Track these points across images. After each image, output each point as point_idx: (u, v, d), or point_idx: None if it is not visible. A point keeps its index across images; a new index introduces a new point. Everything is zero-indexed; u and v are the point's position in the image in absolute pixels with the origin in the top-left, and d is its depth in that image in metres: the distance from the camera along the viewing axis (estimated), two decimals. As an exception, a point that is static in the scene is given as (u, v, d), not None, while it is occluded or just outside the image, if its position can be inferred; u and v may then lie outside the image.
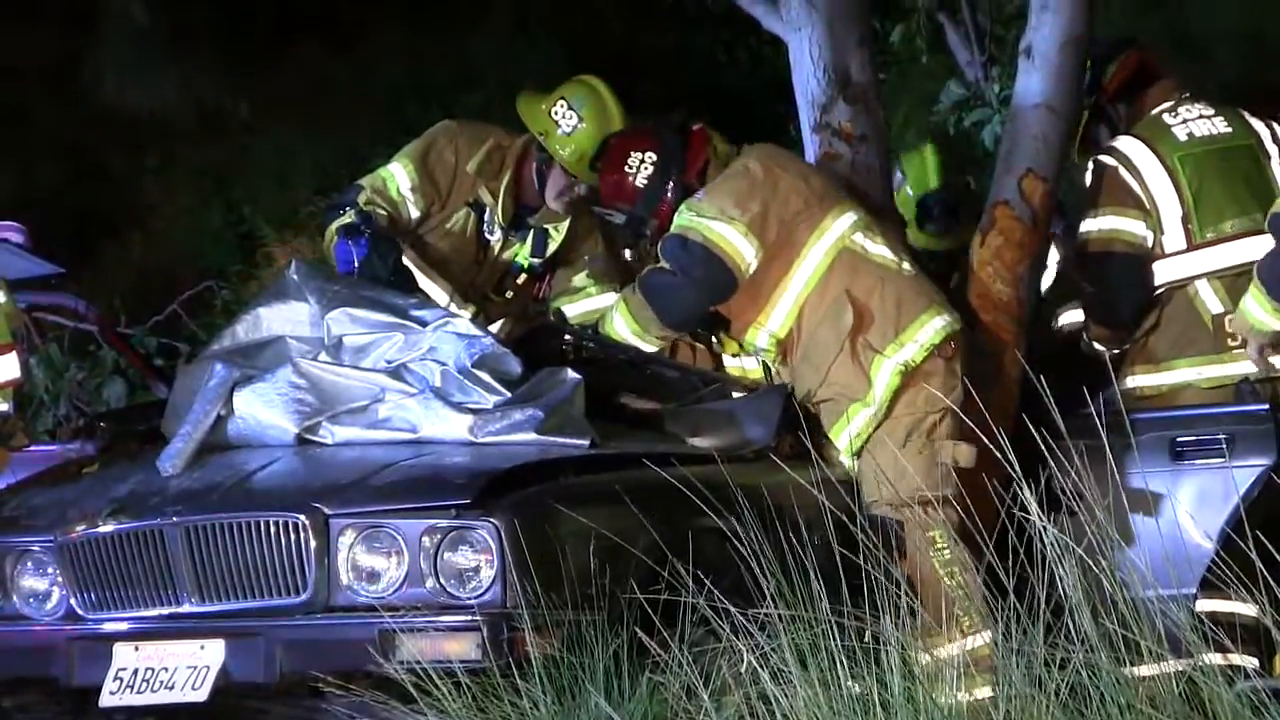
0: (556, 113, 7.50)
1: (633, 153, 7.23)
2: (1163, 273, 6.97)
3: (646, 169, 7.17)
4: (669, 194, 7.13)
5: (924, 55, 8.96)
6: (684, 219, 6.92)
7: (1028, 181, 7.13)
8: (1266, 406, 6.69)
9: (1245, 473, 6.58)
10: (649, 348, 7.06)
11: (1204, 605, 5.69)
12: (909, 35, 8.99)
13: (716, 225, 6.83)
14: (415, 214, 7.70)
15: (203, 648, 6.12)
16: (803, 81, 7.66)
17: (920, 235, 8.07)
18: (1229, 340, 6.80)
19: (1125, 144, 7.08)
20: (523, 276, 7.81)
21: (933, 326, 6.77)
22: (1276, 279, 6.37)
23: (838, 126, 7.58)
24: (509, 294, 7.78)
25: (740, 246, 6.83)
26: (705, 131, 7.23)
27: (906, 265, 6.96)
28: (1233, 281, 6.85)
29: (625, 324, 7.02)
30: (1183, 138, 7.00)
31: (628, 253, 7.63)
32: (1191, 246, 6.93)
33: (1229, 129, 7.03)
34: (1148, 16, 8.10)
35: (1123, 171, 7.02)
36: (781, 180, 6.98)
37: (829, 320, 6.81)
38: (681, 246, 6.85)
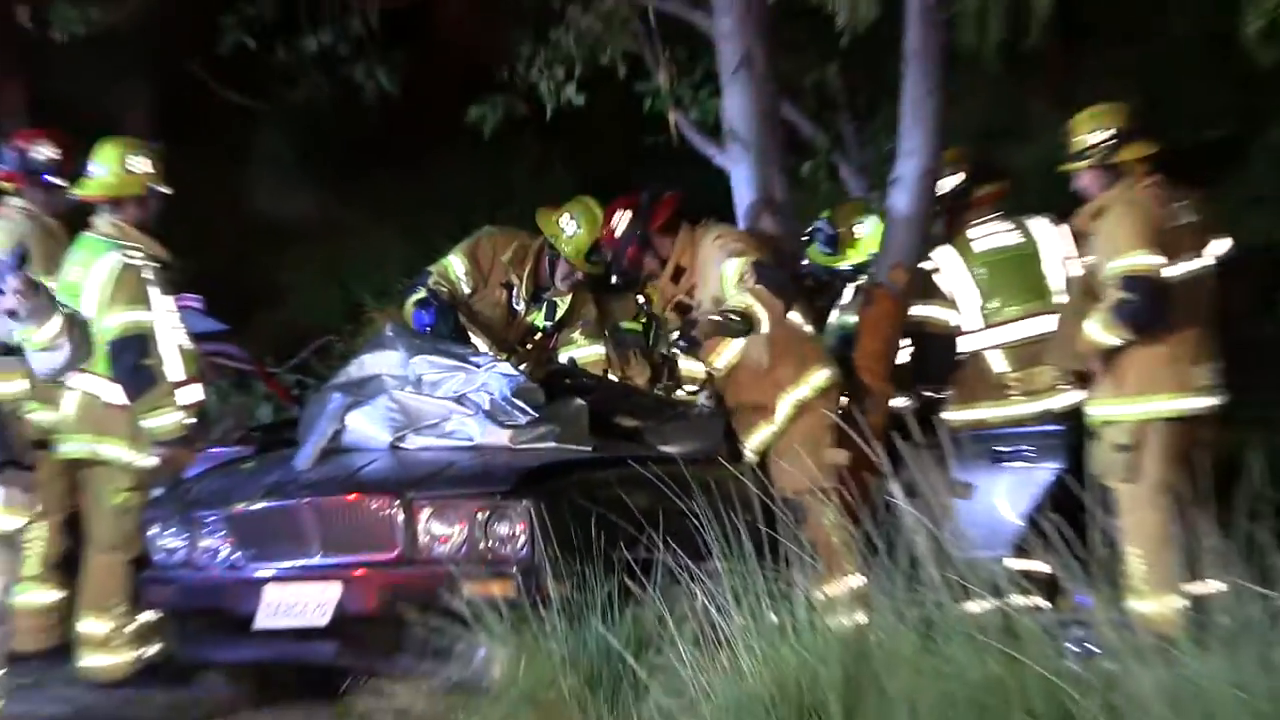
0: (563, 223, 7.58)
1: (616, 210, 7.28)
2: (964, 344, 7.00)
3: (621, 222, 7.23)
4: (633, 238, 7.17)
5: (824, 184, 9.02)
6: (719, 289, 6.87)
7: (896, 271, 7.12)
8: (1062, 428, 6.73)
9: (1044, 473, 6.66)
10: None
11: (1014, 563, 5.72)
12: (815, 168, 9.03)
13: (738, 294, 6.78)
14: (467, 291, 7.76)
15: (325, 588, 6.15)
16: (741, 198, 7.68)
17: (818, 255, 8.08)
18: (1007, 390, 6.87)
19: (941, 253, 7.12)
20: (539, 335, 7.87)
21: (821, 375, 6.78)
22: (1124, 314, 6.30)
23: (769, 226, 7.58)
24: (529, 347, 7.81)
25: (755, 309, 6.76)
26: (676, 199, 7.22)
27: (809, 329, 6.98)
28: (1015, 351, 6.92)
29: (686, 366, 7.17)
30: (980, 249, 7.04)
31: (577, 335, 7.70)
32: (985, 326, 6.98)
33: (1020, 240, 7.05)
34: (1018, 133, 8.11)
35: (938, 274, 7.08)
36: (750, 242, 7.06)
37: (749, 372, 6.83)
38: (728, 314, 6.74)
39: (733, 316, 6.75)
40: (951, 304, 7.02)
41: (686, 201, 7.33)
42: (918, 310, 7.08)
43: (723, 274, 6.91)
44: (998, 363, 6.91)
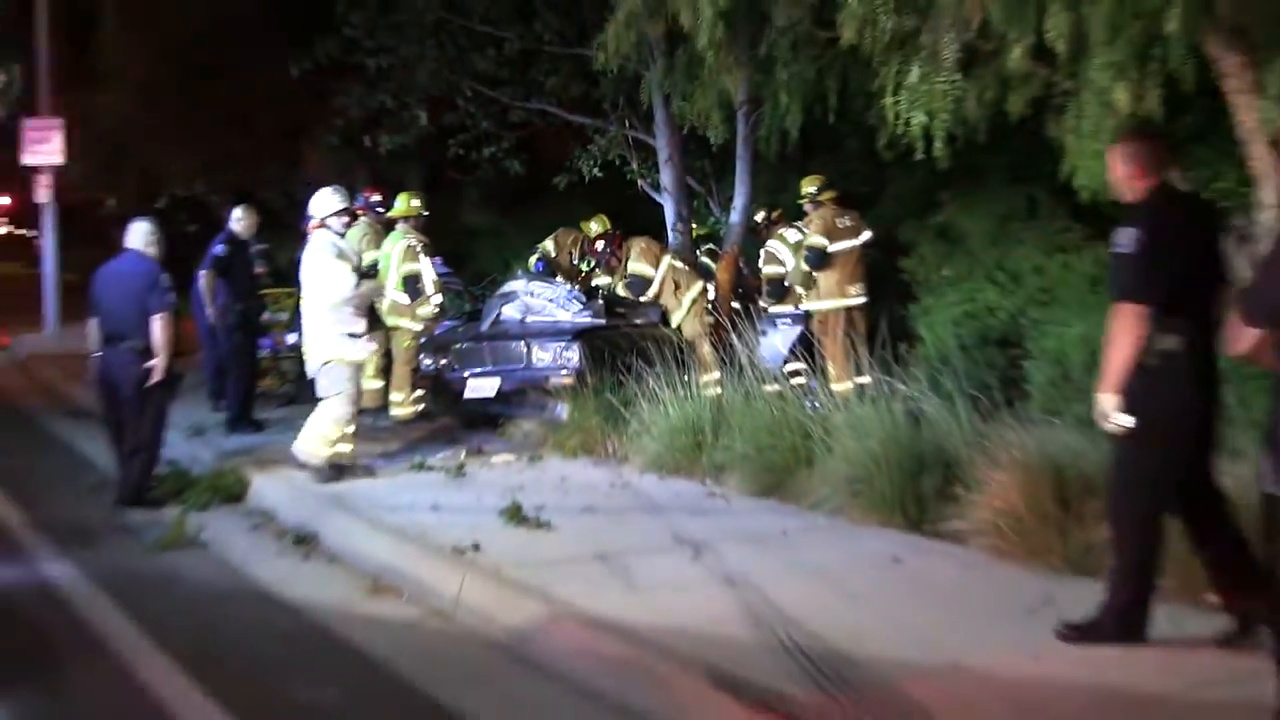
0: (591, 226, 6.87)
1: (598, 241, 6.56)
2: (787, 282, 6.08)
3: (600, 244, 6.53)
4: (607, 253, 6.49)
5: (701, 209, 8.41)
6: (629, 267, 6.25)
7: (735, 247, 6.59)
8: (803, 312, 5.99)
9: (796, 330, 6.08)
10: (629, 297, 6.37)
11: (787, 367, 5.30)
12: (699, 205, 8.42)
13: (639, 266, 6.23)
14: (553, 255, 7.08)
15: (493, 379, 5.69)
16: (670, 216, 7.10)
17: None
18: (800, 299, 5.99)
19: (772, 243, 6.23)
20: (583, 274, 7.19)
21: (698, 287, 6.17)
22: (808, 261, 5.75)
23: (679, 229, 7.02)
24: (579, 279, 7.17)
25: (648, 271, 6.22)
26: (622, 234, 6.52)
27: (689, 269, 6.31)
28: (804, 283, 6.00)
29: (622, 292, 6.38)
30: (791, 240, 6.13)
31: (598, 271, 6.74)
32: (793, 275, 6.17)
33: (800, 235, 6.15)
34: (783, 189, 7.31)
35: (774, 251, 6.19)
36: (650, 246, 6.36)
37: (667, 288, 6.21)
38: (632, 275, 6.22)
39: (630, 278, 6.25)
40: (782, 265, 6.20)
41: (634, 224, 6.71)
42: (766, 269, 6.22)
43: (630, 264, 6.30)
44: (798, 289, 6.13)
